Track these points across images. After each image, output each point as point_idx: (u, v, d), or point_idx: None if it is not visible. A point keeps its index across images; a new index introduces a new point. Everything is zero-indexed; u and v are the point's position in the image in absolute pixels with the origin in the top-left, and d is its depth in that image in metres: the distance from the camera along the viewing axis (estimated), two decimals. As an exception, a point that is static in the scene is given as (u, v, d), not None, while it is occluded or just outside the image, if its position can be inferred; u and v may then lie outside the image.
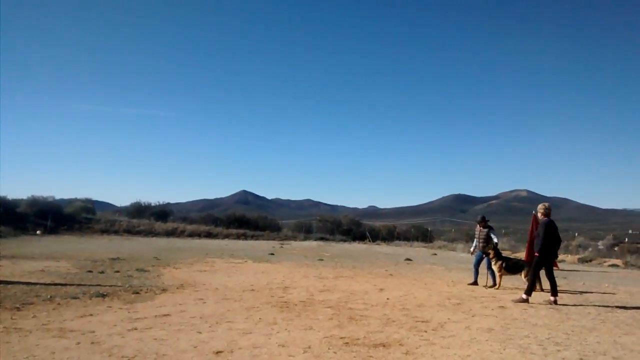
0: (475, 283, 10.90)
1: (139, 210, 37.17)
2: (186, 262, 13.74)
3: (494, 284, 10.48)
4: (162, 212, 37.94)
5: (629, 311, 8.01)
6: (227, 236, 32.95)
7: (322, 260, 17.01)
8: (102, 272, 10.33)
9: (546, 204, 8.97)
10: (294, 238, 35.61)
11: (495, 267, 10.32)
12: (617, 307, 8.44)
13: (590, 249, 28.64)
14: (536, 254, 8.55)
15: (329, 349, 4.74)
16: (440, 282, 11.48)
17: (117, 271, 10.65)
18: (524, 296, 8.45)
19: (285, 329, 5.55)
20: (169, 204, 43.93)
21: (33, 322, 5.44)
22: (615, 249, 30.99)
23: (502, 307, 7.90)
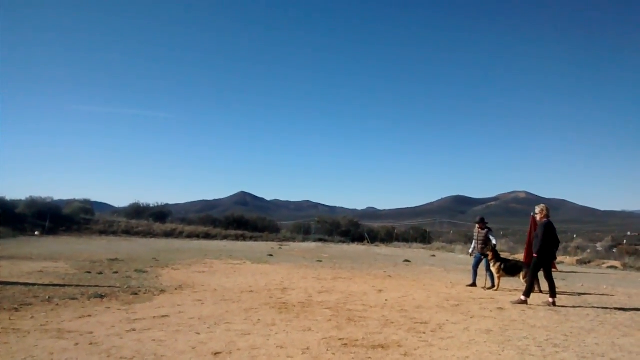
0: (474, 284, 10.90)
1: (137, 211, 37.16)
2: (185, 263, 13.73)
3: (493, 286, 10.49)
4: (161, 213, 37.93)
5: (628, 313, 8.02)
6: (225, 237, 32.93)
7: (320, 261, 17.01)
8: (100, 273, 10.31)
9: (542, 206, 8.98)
10: (293, 239, 35.60)
11: (493, 269, 10.33)
12: (615, 308, 8.45)
13: (588, 251, 28.69)
14: (535, 255, 8.56)
15: (327, 350, 4.74)
16: (439, 283, 11.48)
17: (116, 272, 10.64)
18: (523, 298, 8.46)
19: (284, 330, 5.55)
20: (167, 205, 43.92)
21: (31, 323, 5.43)
22: (614, 250, 31.02)
23: (501, 308, 7.90)
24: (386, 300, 8.30)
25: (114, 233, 29.45)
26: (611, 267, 21.56)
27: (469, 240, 31.36)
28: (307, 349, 4.76)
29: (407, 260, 19.29)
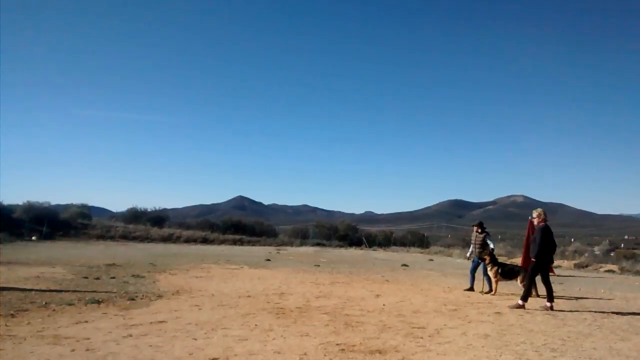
0: (471, 289, 10.90)
1: (135, 216, 37.07)
2: (182, 268, 13.69)
3: (490, 290, 10.49)
4: (159, 218, 37.83)
5: (625, 317, 8.02)
6: (223, 242, 32.87)
7: (318, 266, 16.99)
8: (97, 278, 10.28)
9: (540, 210, 9.01)
10: (291, 244, 35.54)
11: (491, 273, 10.34)
12: (613, 313, 8.46)
13: (586, 255, 28.72)
14: (533, 259, 8.57)
15: (325, 355, 4.73)
16: (437, 288, 11.48)
17: (113, 277, 10.61)
18: (520, 302, 8.46)
19: (281, 336, 5.54)
20: (165, 209, 43.78)
21: (28, 328, 5.41)
22: (611, 254, 31.11)
23: (499, 313, 7.90)
24: (384, 305, 8.29)
25: (112, 238, 29.36)
26: (608, 271, 21.59)
27: (466, 244, 31.39)
28: (305, 354, 4.75)
29: (404, 265, 19.28)
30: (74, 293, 8.11)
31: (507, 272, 10.27)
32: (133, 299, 7.80)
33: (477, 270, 11.04)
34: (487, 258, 10.44)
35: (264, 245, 33.21)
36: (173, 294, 8.57)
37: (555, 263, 20.15)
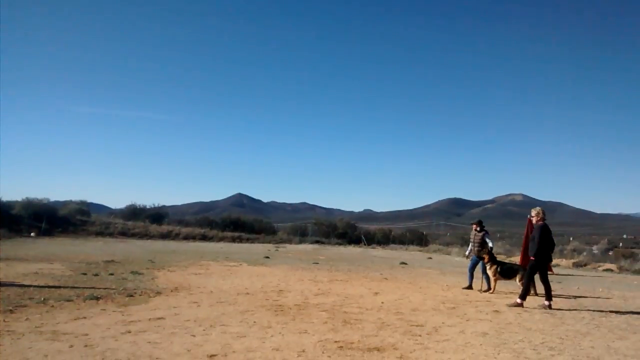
0: (470, 287, 10.91)
1: (134, 213, 37.07)
2: (181, 265, 13.70)
3: (489, 288, 10.50)
4: (157, 215, 37.83)
5: (623, 316, 8.04)
6: (222, 239, 32.90)
7: (317, 263, 17.00)
8: (96, 275, 10.28)
9: (538, 209, 9.02)
10: (290, 241, 35.57)
11: (490, 272, 10.34)
12: (611, 311, 8.46)
13: (584, 254, 28.73)
14: (532, 257, 8.57)
15: (323, 352, 4.73)
16: (435, 286, 11.49)
17: (112, 274, 10.61)
18: (519, 300, 8.47)
19: (280, 333, 5.54)
20: (164, 206, 43.80)
21: (26, 324, 5.41)
22: (610, 253, 31.14)
23: (497, 311, 7.91)
24: (382, 302, 8.30)
25: (110, 234, 29.38)
26: (607, 269, 21.63)
27: (465, 242, 31.43)
28: (303, 351, 4.75)
29: (403, 263, 19.29)
30: (73, 289, 8.11)
31: (506, 271, 10.28)
32: (132, 296, 7.80)
33: (476, 269, 11.05)
34: (487, 257, 10.45)
35: (263, 242, 33.23)
36: (172, 291, 8.57)
37: (554, 262, 20.17)
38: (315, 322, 6.30)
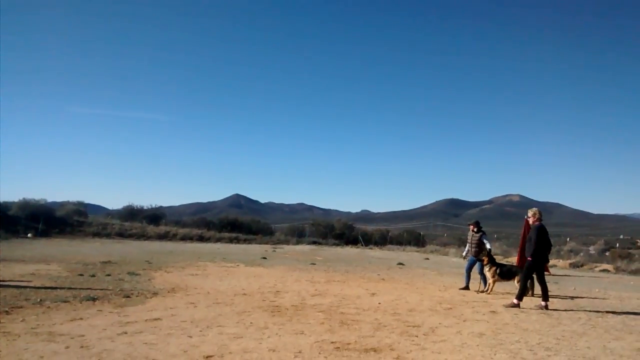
0: (466, 288, 10.92)
1: (131, 214, 37.01)
2: (178, 265, 13.68)
3: (486, 289, 10.51)
4: (155, 216, 37.76)
5: (620, 316, 8.06)
6: (219, 240, 32.87)
7: (314, 264, 17.00)
8: (93, 276, 10.26)
9: (535, 209, 9.04)
10: (287, 242, 35.56)
11: (489, 273, 10.34)
12: (607, 312, 8.49)
13: (581, 254, 28.83)
14: (529, 258, 8.59)
15: (320, 353, 4.73)
16: (432, 286, 11.50)
17: (109, 275, 10.59)
18: (515, 301, 8.49)
19: (277, 334, 5.54)
20: (161, 207, 43.70)
21: (22, 325, 5.39)
22: (607, 254, 31.18)
23: (494, 312, 7.92)
24: (379, 303, 8.30)
25: (108, 235, 29.31)
26: (603, 270, 21.69)
27: (462, 243, 31.40)
28: (300, 352, 4.75)
29: (400, 263, 19.31)
30: (69, 290, 8.09)
31: (505, 273, 10.28)
32: (128, 297, 7.79)
33: (473, 269, 11.07)
34: (486, 259, 10.46)
35: (260, 243, 33.21)
36: (168, 292, 8.56)
37: (551, 262, 20.24)
38: (312, 323, 6.30)
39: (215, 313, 6.73)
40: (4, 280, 8.83)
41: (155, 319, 6.07)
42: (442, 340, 5.55)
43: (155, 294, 8.26)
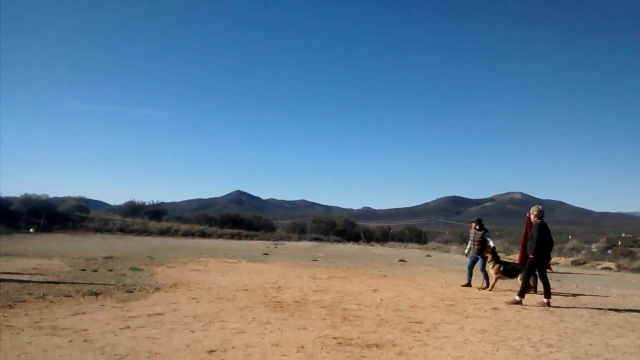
0: (468, 284, 10.91)
1: (133, 209, 37.08)
2: (180, 261, 13.70)
3: (487, 286, 10.51)
4: (156, 211, 37.85)
5: (622, 314, 8.05)
6: (221, 236, 32.91)
7: (316, 260, 17.01)
8: (95, 271, 10.28)
9: (539, 207, 9.02)
10: (288, 238, 35.60)
11: (492, 270, 10.32)
12: (609, 309, 8.48)
13: (583, 252, 28.75)
14: (530, 256, 8.58)
15: (322, 348, 4.74)
16: (434, 283, 11.50)
17: (111, 270, 10.61)
18: (517, 298, 8.48)
19: (279, 329, 5.54)
20: (163, 203, 43.88)
21: (25, 319, 5.41)
22: (609, 252, 31.13)
23: (496, 308, 7.92)
24: (381, 299, 8.31)
25: (109, 231, 29.37)
26: (606, 268, 21.66)
27: (464, 240, 31.43)
28: (302, 347, 4.76)
29: (402, 260, 19.32)
30: (72, 285, 8.11)
31: (509, 271, 10.25)
32: (131, 291, 7.80)
33: (475, 266, 11.06)
34: (490, 256, 10.44)
35: (262, 239, 33.25)
36: (171, 287, 8.57)
37: (553, 260, 20.20)
38: (314, 318, 6.31)
39: (218, 308, 6.74)
40: (7, 273, 8.87)
41: (158, 314, 6.08)
42: (445, 337, 5.55)
43: (157, 289, 8.27)
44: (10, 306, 6.11)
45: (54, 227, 27.50)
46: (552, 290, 8.83)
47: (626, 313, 8.16)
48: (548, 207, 10.03)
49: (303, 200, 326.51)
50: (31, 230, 25.47)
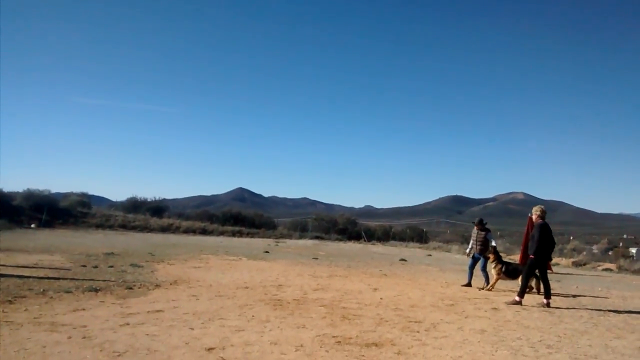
0: (469, 284, 10.91)
1: (134, 206, 37.06)
2: (180, 258, 13.71)
3: (488, 286, 10.50)
4: (158, 208, 37.81)
5: (621, 315, 8.04)
6: (222, 233, 32.89)
7: (317, 259, 17.01)
8: (95, 267, 10.29)
9: (542, 207, 9.01)
10: (290, 236, 35.58)
11: (494, 270, 10.30)
12: (609, 310, 8.47)
13: (584, 253, 28.75)
14: (531, 256, 8.57)
15: (321, 347, 4.74)
16: (434, 283, 11.49)
17: (111, 266, 10.62)
18: (517, 298, 8.47)
19: (278, 327, 5.55)
20: (165, 199, 43.78)
21: (25, 315, 5.42)
22: (610, 253, 31.12)
23: (495, 309, 7.91)
24: (381, 298, 8.31)
25: (111, 227, 29.37)
26: (606, 269, 21.64)
27: (465, 240, 31.42)
28: (301, 345, 4.76)
29: (403, 259, 19.31)
30: (72, 281, 8.12)
31: (511, 272, 10.24)
32: (131, 288, 7.82)
33: (476, 267, 11.05)
34: (492, 256, 10.42)
35: (263, 237, 33.24)
36: (171, 284, 8.58)
37: (553, 260, 20.17)
38: (313, 317, 6.31)
39: (217, 306, 6.74)
40: (8, 266, 8.88)
41: (158, 311, 6.09)
42: (444, 336, 5.55)
43: (157, 286, 8.28)
44: (10, 301, 6.12)
45: (55, 222, 27.52)
46: (552, 291, 8.82)
47: (626, 315, 8.14)
48: (550, 208, 10.03)
49: (305, 198, 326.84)
50: (33, 225, 25.53)
